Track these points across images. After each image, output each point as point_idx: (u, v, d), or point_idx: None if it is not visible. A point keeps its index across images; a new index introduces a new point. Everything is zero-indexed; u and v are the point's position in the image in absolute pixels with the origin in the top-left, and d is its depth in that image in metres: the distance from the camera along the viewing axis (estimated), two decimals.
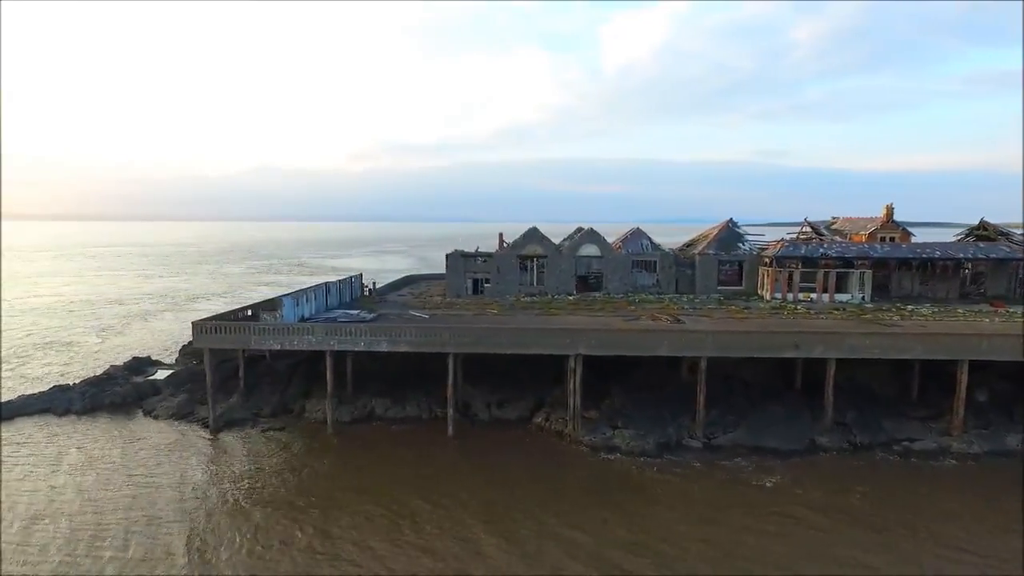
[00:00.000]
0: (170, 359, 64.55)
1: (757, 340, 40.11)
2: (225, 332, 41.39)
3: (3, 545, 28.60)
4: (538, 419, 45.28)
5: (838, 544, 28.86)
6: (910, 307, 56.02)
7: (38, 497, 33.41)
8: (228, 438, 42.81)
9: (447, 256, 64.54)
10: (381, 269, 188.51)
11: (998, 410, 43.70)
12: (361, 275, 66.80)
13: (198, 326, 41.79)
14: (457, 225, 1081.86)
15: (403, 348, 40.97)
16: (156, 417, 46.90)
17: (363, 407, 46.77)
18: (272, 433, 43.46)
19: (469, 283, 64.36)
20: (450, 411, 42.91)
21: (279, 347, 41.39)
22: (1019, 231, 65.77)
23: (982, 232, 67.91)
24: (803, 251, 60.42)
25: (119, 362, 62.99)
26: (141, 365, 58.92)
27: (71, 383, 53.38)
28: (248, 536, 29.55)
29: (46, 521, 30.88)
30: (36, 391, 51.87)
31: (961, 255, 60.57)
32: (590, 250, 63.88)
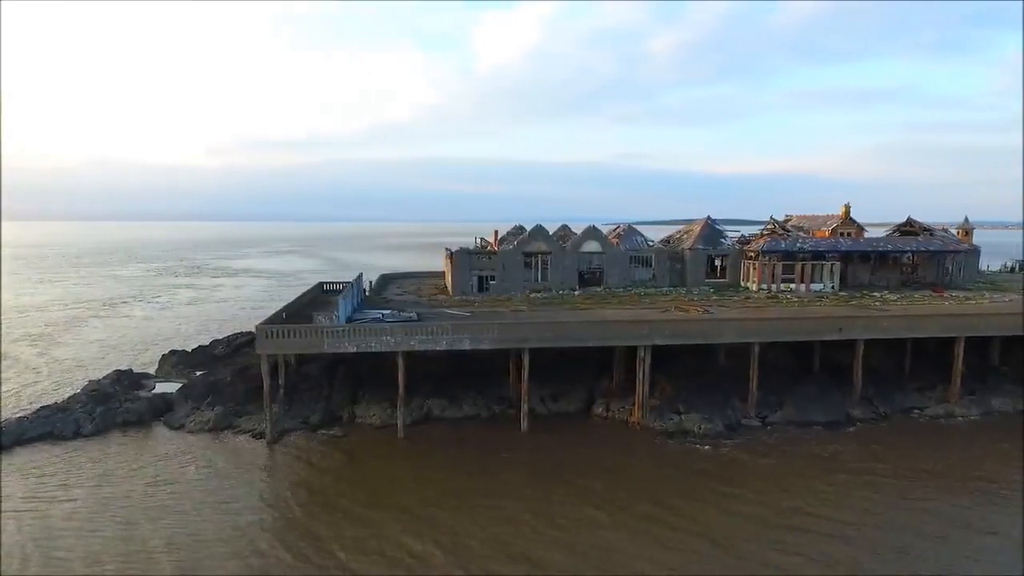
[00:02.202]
0: (146, 369, 58.24)
1: (806, 325, 44.40)
2: (294, 336, 38.77)
3: None
4: (598, 410, 46.77)
5: (932, 489, 33.37)
6: (876, 294, 63.77)
7: (127, 545, 28.42)
8: (288, 449, 40.06)
9: (452, 253, 63.91)
10: (298, 271, 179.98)
11: (974, 379, 51.36)
12: (361, 275, 64.29)
13: (262, 331, 38.76)
14: (340, 226, 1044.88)
15: (486, 345, 40.78)
16: (191, 432, 42.72)
17: (419, 408, 45.66)
18: (335, 441, 41.26)
19: (475, 280, 64.15)
20: (524, 407, 43.16)
21: (355, 349, 39.46)
22: (941, 229, 76.63)
23: (908, 228, 78.20)
24: (783, 246, 66.60)
25: (78, 374, 56.94)
26: (130, 379, 52.77)
27: (54, 401, 47.29)
28: (375, 553, 28.08)
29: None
30: (13, 414, 45.36)
31: (908, 248, 69.77)
32: (592, 246, 66.08)
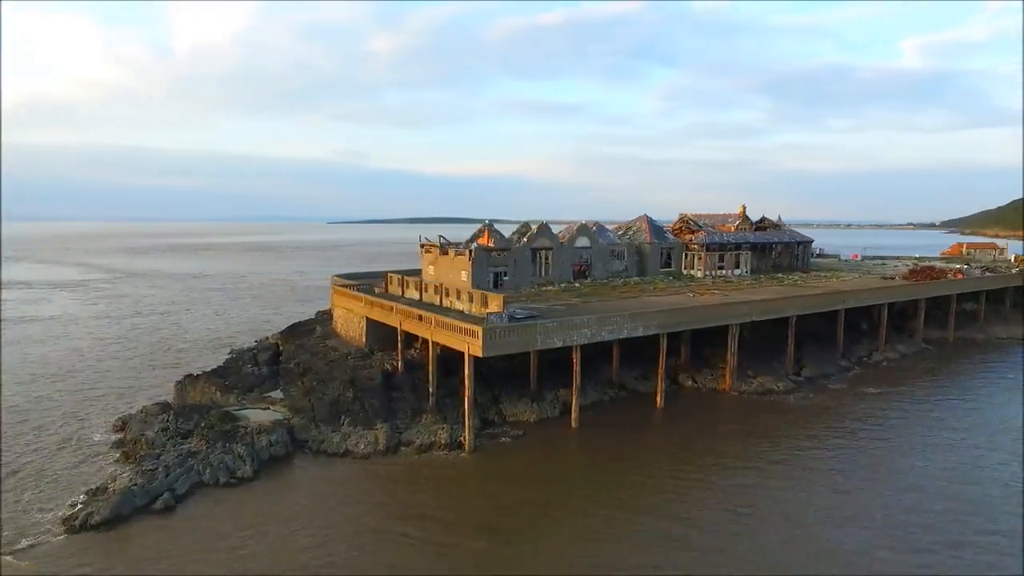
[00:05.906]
0: (155, 398, 47.37)
1: (827, 299, 57.79)
2: (513, 335, 38.38)
3: None
4: (686, 383, 54.13)
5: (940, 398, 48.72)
6: (780, 275, 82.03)
7: None
8: (494, 455, 39.22)
9: (471, 251, 64.06)
10: (89, 280, 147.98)
11: (873, 333, 71.09)
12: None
13: (488, 332, 37.43)
14: (35, 225, 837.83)
15: (652, 331, 45.15)
16: (364, 457, 38.44)
17: (557, 400, 47.53)
18: (523, 441, 41.59)
19: (491, 276, 65.38)
20: (661, 384, 48.37)
21: (560, 344, 40.43)
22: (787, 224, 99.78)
23: (761, 224, 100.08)
24: (717, 240, 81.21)
25: (90, 409, 45.18)
26: (212, 411, 42.92)
27: (145, 447, 37.72)
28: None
29: None
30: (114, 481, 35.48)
31: (785, 240, 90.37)
32: (583, 242, 72.15)
